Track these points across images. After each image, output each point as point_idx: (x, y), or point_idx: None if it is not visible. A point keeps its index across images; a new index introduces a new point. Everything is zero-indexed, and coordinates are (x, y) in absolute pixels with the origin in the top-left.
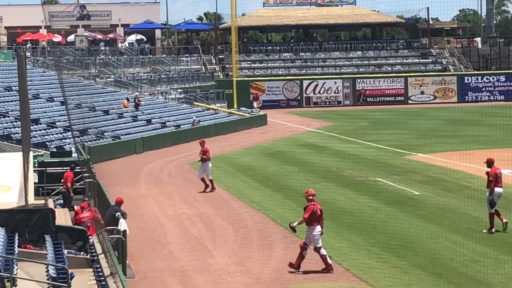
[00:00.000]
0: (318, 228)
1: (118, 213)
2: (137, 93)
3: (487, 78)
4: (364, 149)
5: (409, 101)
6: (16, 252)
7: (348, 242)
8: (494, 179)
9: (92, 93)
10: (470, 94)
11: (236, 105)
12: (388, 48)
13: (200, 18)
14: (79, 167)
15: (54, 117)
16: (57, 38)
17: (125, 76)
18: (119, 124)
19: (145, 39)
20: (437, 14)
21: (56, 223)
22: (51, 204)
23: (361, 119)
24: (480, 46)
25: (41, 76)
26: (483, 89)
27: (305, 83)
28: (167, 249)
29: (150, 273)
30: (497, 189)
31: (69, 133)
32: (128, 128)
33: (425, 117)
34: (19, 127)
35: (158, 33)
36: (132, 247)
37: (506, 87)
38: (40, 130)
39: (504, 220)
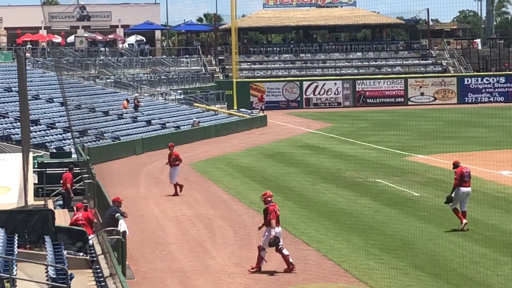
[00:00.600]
0: (278, 228)
1: (118, 214)
2: (136, 94)
3: (487, 80)
4: (364, 150)
5: (409, 102)
6: (16, 252)
7: (347, 243)
8: (459, 178)
9: (92, 94)
10: (470, 95)
11: (236, 106)
12: (388, 49)
13: (200, 19)
14: (78, 168)
15: (54, 118)
16: (57, 39)
17: (125, 77)
18: (119, 125)
19: (145, 40)
20: (437, 16)
21: (56, 224)
22: (50, 205)
23: (361, 120)
24: (480, 47)
25: (41, 77)
26: (483, 90)
27: (305, 84)
28: (167, 250)
29: (150, 274)
30: (463, 189)
31: (69, 134)
32: (128, 129)
33: (425, 118)
34: (19, 127)
35: (158, 34)
36: (131, 248)
37: (506, 89)
38: (40, 131)
39: (464, 221)
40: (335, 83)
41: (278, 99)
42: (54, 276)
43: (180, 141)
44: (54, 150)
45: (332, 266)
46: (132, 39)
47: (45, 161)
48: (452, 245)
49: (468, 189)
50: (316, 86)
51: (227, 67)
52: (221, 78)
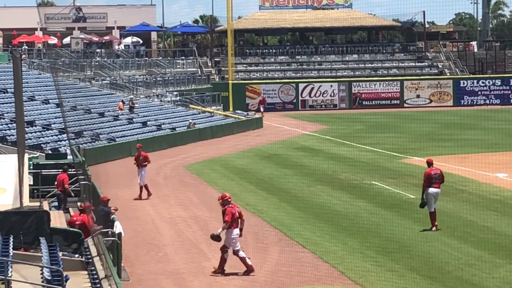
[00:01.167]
0: (236, 231)
1: (114, 216)
2: (132, 96)
3: (482, 82)
4: (359, 152)
5: (405, 105)
6: (11, 254)
7: (343, 245)
8: (427, 180)
9: (88, 96)
10: (466, 98)
11: (232, 108)
12: (384, 51)
13: (196, 21)
14: (74, 169)
15: (49, 119)
16: (53, 40)
17: (121, 79)
18: (115, 126)
19: (141, 42)
20: (433, 18)
21: (51, 225)
22: (46, 206)
23: (357, 122)
24: (476, 50)
25: (36, 78)
26: (479, 93)
27: (301, 86)
28: (162, 252)
29: (145, 275)
30: (431, 190)
31: (65, 135)
32: (124, 130)
33: (421, 120)
34: (14, 129)
35: (154, 35)
36: (127, 250)
37: (502, 91)
38: (35, 132)
39: (433, 228)
40: (331, 85)
41: (274, 101)
42: (49, 278)
43: (176, 142)
44: (50, 152)
45: (328, 268)
46: (128, 40)
47: (40, 163)
48: (447, 248)
49: (437, 190)
50: (312, 88)
51: (223, 68)
52: (217, 79)
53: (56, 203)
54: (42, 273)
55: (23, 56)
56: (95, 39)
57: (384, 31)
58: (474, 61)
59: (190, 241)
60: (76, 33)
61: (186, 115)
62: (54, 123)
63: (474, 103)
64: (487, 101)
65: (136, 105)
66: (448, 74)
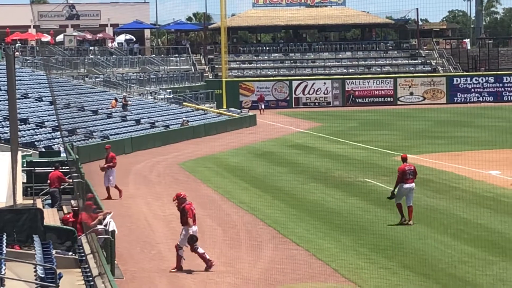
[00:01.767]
0: (195, 227)
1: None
2: (125, 94)
3: (476, 80)
4: (353, 150)
5: (398, 102)
6: (4, 252)
7: (336, 242)
8: (401, 175)
9: (81, 93)
10: (459, 95)
11: (226, 106)
12: (378, 49)
13: (189, 18)
14: (67, 167)
15: (42, 116)
16: (46, 37)
17: (114, 76)
18: (108, 124)
19: (134, 39)
20: (426, 15)
21: (45, 223)
22: (39, 204)
23: (350, 120)
24: (469, 47)
25: (29, 75)
26: (472, 90)
27: (295, 83)
28: (156, 250)
29: (139, 273)
30: (405, 185)
31: (58, 133)
32: (117, 128)
33: (414, 118)
34: (7, 126)
35: (147, 33)
36: (120, 248)
37: (495, 89)
38: (28, 130)
39: (406, 220)
40: (325, 83)
41: (267, 99)
42: (42, 276)
43: (169, 140)
44: (43, 149)
45: (321, 266)
46: (121, 38)
47: (34, 160)
48: (441, 245)
49: (411, 185)
50: (306, 86)
51: (216, 66)
52: (211, 77)
53: (49, 201)
54: (35, 271)
55: (16, 53)
56: (89, 36)
57: (378, 29)
58: (467, 58)
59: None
60: (69, 30)
61: (180, 113)
62: (48, 121)
63: (467, 100)
64: (480, 99)
65: (129, 102)
66: (442, 71)
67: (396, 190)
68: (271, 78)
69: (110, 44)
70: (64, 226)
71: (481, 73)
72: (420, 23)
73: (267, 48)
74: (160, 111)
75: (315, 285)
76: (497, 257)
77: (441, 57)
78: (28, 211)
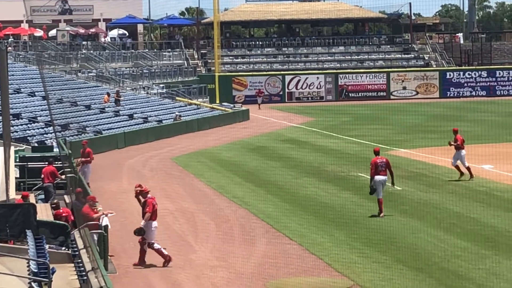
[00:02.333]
0: (155, 223)
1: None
2: (117, 88)
3: (469, 74)
4: (346, 144)
5: (391, 97)
6: None
7: (330, 237)
8: (374, 168)
9: (74, 88)
10: (452, 89)
11: (218, 100)
12: (371, 43)
13: (182, 13)
14: (60, 162)
15: (35, 111)
16: (39, 32)
17: (107, 71)
18: (101, 119)
19: (127, 34)
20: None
21: (38, 218)
22: (32, 199)
23: (343, 114)
24: (462, 41)
25: (22, 70)
26: (465, 84)
27: (288, 78)
28: None
29: (132, 268)
30: (377, 177)
31: (51, 128)
32: (110, 123)
33: (407, 112)
34: (0, 122)
35: (140, 28)
36: (113, 242)
37: (488, 83)
38: (21, 125)
39: (381, 214)
40: (318, 77)
41: None
42: (35, 270)
43: (162, 135)
44: (36, 144)
45: (315, 260)
46: (114, 33)
47: (26, 155)
48: (434, 239)
49: (383, 177)
50: (299, 80)
51: (209, 61)
52: (204, 72)
53: (42, 196)
54: (28, 266)
55: (9, 48)
56: (81, 31)
57: (371, 23)
58: (460, 52)
59: (176, 234)
60: (62, 25)
61: (173, 108)
62: (40, 116)
63: (460, 94)
64: (473, 93)
65: (121, 97)
66: (435, 66)
67: (372, 183)
68: (264, 73)
69: (103, 39)
70: (57, 221)
71: (474, 67)
72: (413, 17)
73: (260, 43)
74: (153, 106)
75: (308, 279)
76: (490, 251)
77: (434, 51)
78: (21, 206)
